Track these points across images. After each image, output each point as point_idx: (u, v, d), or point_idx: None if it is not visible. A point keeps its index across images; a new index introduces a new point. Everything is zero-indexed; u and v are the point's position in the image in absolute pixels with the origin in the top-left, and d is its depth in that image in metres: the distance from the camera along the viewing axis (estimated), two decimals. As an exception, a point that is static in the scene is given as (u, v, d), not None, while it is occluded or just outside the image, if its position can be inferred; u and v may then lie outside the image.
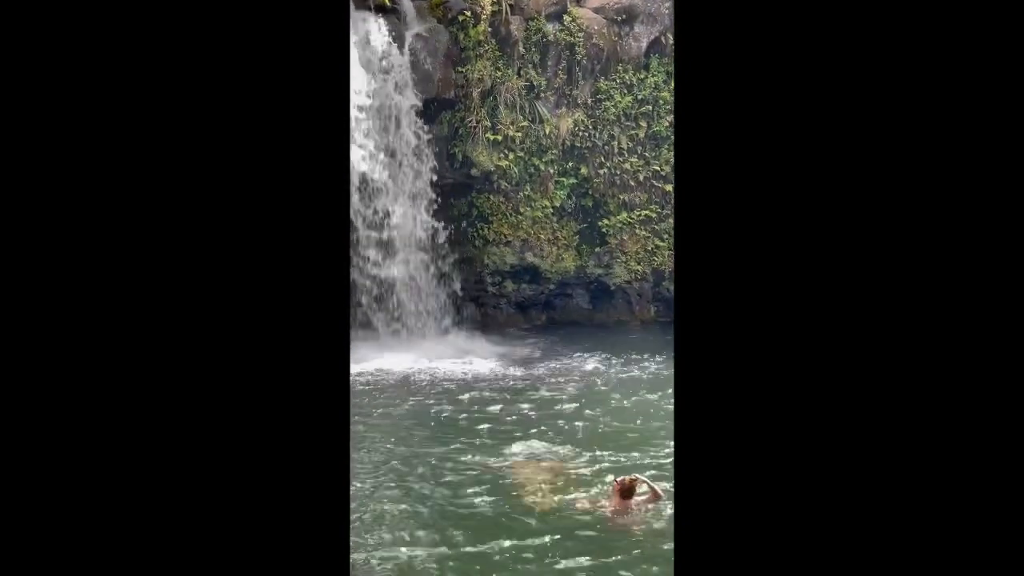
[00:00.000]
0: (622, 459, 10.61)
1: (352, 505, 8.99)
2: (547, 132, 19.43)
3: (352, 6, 17.36)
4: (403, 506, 9.24)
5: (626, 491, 8.83)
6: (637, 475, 8.99)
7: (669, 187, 19.71)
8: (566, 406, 13.51)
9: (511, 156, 19.31)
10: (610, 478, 9.33)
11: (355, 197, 17.70)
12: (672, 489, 9.13)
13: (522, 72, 19.48)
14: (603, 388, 14.72)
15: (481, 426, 12.31)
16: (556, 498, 9.30)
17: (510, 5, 19.10)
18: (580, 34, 19.29)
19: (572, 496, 9.32)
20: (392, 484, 9.94)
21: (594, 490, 9.47)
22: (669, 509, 8.69)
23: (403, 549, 8.10)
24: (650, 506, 8.78)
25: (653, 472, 9.55)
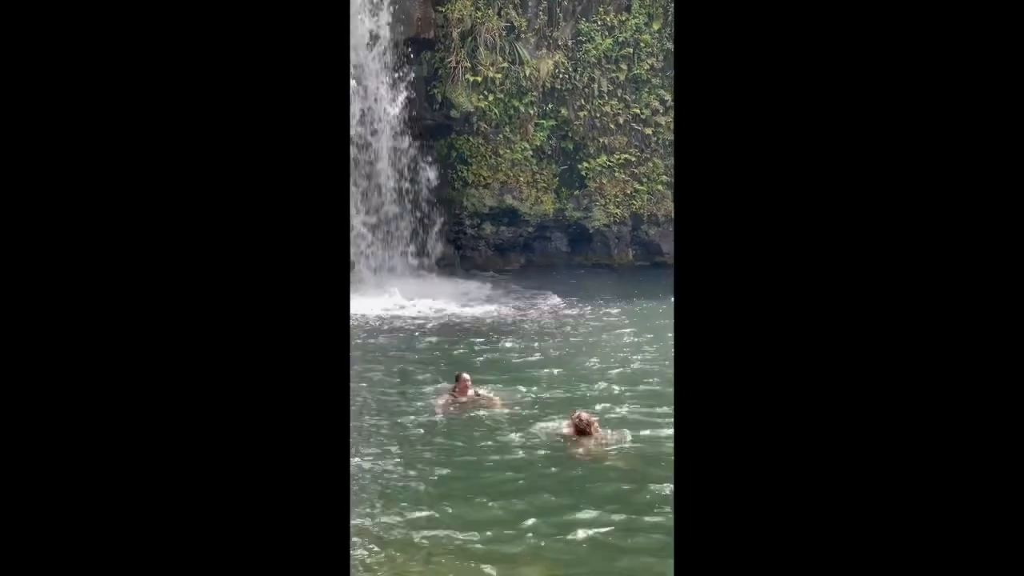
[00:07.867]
0: (579, 394, 10.80)
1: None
2: (527, 74, 19.34)
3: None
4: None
5: (580, 429, 9.05)
6: (580, 414, 9.23)
7: (649, 130, 19.68)
8: (534, 346, 13.66)
9: (491, 97, 19.24)
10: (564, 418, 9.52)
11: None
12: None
13: (503, 13, 19.34)
14: (574, 329, 14.86)
15: (444, 366, 12.44)
16: (514, 435, 9.48)
17: (491, -56, 18.94)
18: (561, -26, 19.15)
19: (532, 431, 9.52)
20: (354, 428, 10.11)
21: (550, 424, 9.66)
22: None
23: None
24: (601, 438, 9.01)
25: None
